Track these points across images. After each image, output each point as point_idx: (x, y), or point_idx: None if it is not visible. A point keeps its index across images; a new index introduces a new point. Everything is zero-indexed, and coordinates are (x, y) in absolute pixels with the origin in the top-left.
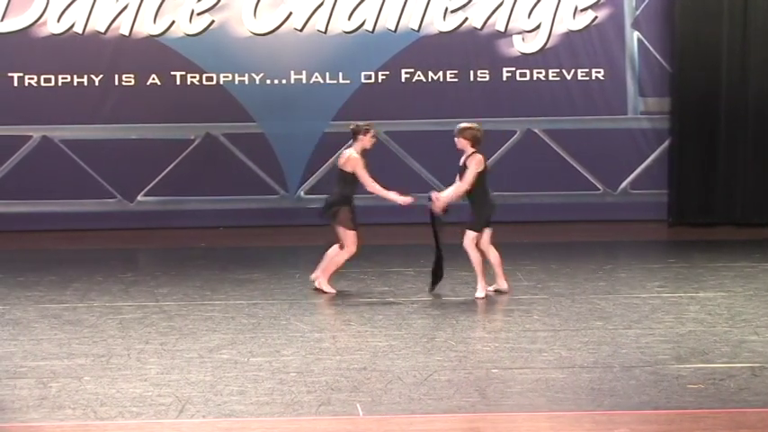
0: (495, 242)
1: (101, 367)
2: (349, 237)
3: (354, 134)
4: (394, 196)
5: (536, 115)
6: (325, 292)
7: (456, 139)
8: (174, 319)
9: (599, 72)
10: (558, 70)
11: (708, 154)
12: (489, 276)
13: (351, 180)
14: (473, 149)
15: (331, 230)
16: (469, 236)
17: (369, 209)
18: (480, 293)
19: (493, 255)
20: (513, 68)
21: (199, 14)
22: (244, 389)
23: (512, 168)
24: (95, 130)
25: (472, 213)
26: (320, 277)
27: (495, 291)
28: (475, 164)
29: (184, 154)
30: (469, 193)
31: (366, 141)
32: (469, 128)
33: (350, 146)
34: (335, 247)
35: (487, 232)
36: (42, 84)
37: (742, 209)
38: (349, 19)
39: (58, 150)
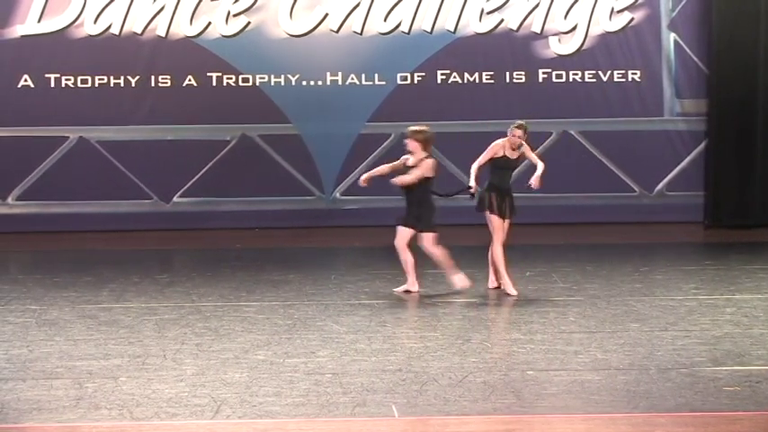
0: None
1: (137, 368)
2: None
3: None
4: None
5: (572, 117)
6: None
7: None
8: (209, 320)
9: (635, 73)
10: (594, 72)
11: (744, 155)
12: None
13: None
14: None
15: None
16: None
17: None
18: (410, 289)
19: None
20: (549, 70)
21: (235, 16)
22: (279, 390)
23: (548, 170)
24: (132, 131)
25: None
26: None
27: (405, 291)
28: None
29: (220, 155)
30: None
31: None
32: (421, 131)
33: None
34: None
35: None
36: (79, 85)
37: None
38: (385, 20)
39: (94, 151)
